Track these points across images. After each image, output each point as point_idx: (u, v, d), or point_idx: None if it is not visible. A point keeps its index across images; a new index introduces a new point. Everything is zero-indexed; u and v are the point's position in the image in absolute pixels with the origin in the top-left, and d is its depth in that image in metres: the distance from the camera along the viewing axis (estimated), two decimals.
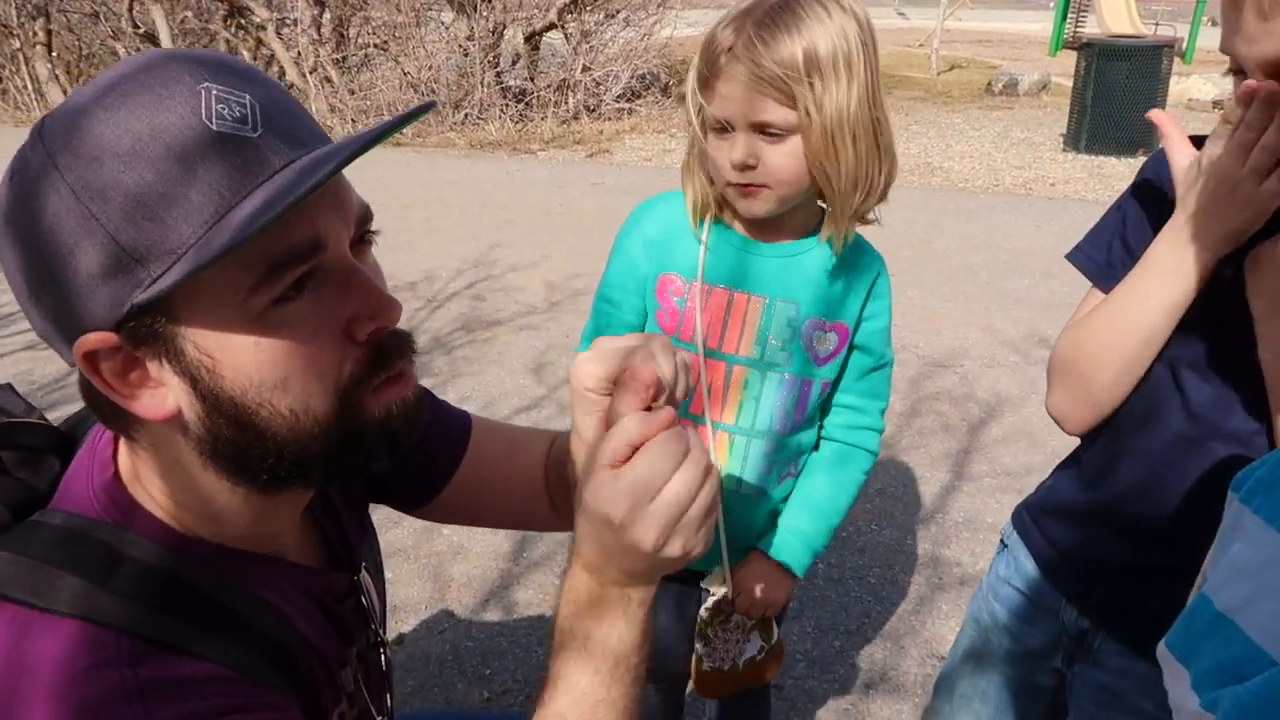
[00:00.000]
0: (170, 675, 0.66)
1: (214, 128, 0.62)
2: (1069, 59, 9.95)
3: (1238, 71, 0.89)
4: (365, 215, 0.72)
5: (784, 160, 1.18)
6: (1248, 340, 0.96)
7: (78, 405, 0.80)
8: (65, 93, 10.22)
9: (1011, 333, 4.25)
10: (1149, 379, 1.07)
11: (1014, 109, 10.49)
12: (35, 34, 10.22)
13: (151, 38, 10.23)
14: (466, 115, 9.20)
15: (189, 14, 10.66)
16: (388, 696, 0.96)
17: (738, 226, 1.31)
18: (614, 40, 10.31)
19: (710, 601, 1.41)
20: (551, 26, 9.81)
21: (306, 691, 0.78)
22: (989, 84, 11.60)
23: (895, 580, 2.64)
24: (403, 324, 0.74)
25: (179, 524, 0.74)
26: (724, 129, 1.19)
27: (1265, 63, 0.83)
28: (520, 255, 5.41)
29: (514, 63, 10.04)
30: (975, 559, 2.73)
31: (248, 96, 0.64)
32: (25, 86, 10.39)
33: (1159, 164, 1.08)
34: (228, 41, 10.62)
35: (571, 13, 9.72)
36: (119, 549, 0.70)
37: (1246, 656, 0.50)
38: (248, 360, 0.65)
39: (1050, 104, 10.67)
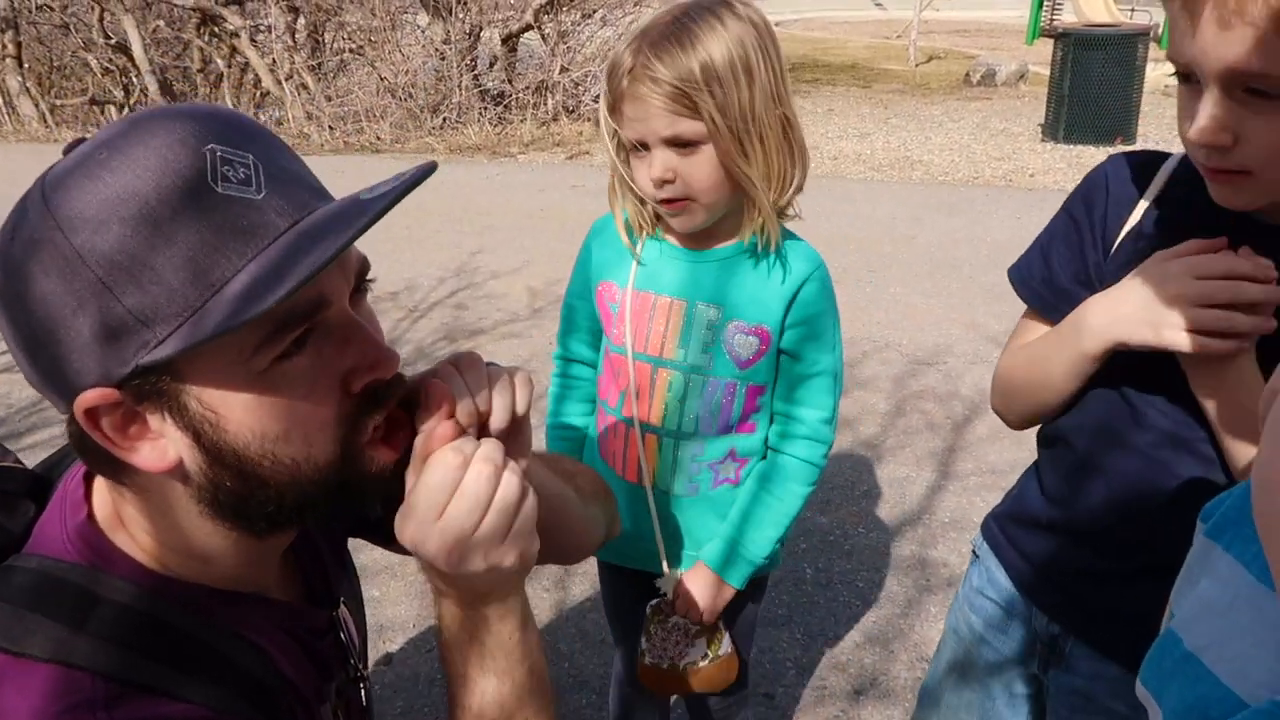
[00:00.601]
0: (146, 716, 0.66)
1: (220, 191, 0.63)
2: (1046, 47, 9.99)
3: (1185, 76, 0.88)
4: (364, 268, 0.73)
5: (700, 170, 1.22)
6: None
7: (55, 429, 0.80)
8: (37, 105, 10.12)
9: (995, 328, 4.26)
10: (1100, 400, 1.09)
11: (992, 99, 10.52)
12: (5, 46, 10.11)
13: (124, 48, 10.15)
14: (445, 120, 9.16)
15: (161, 23, 10.57)
16: None
17: (671, 237, 1.36)
18: (591, 40, 10.28)
19: (655, 600, 1.46)
20: (528, 28, 9.77)
21: None
22: (967, 75, 11.63)
23: (883, 583, 2.64)
24: (386, 335, 0.76)
25: (159, 564, 0.74)
26: (640, 148, 1.24)
27: (1222, 73, 0.82)
28: (502, 261, 5.39)
29: (491, 65, 10.00)
30: (962, 560, 2.73)
31: (250, 156, 0.65)
32: None
33: (1092, 183, 1.11)
34: (201, 50, 10.54)
35: (548, 13, 9.68)
36: (94, 591, 0.70)
37: (1215, 697, 0.50)
38: (250, 415, 0.67)
39: (1028, 94, 10.71)
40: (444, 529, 0.70)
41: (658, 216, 1.34)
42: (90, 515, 0.74)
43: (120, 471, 0.70)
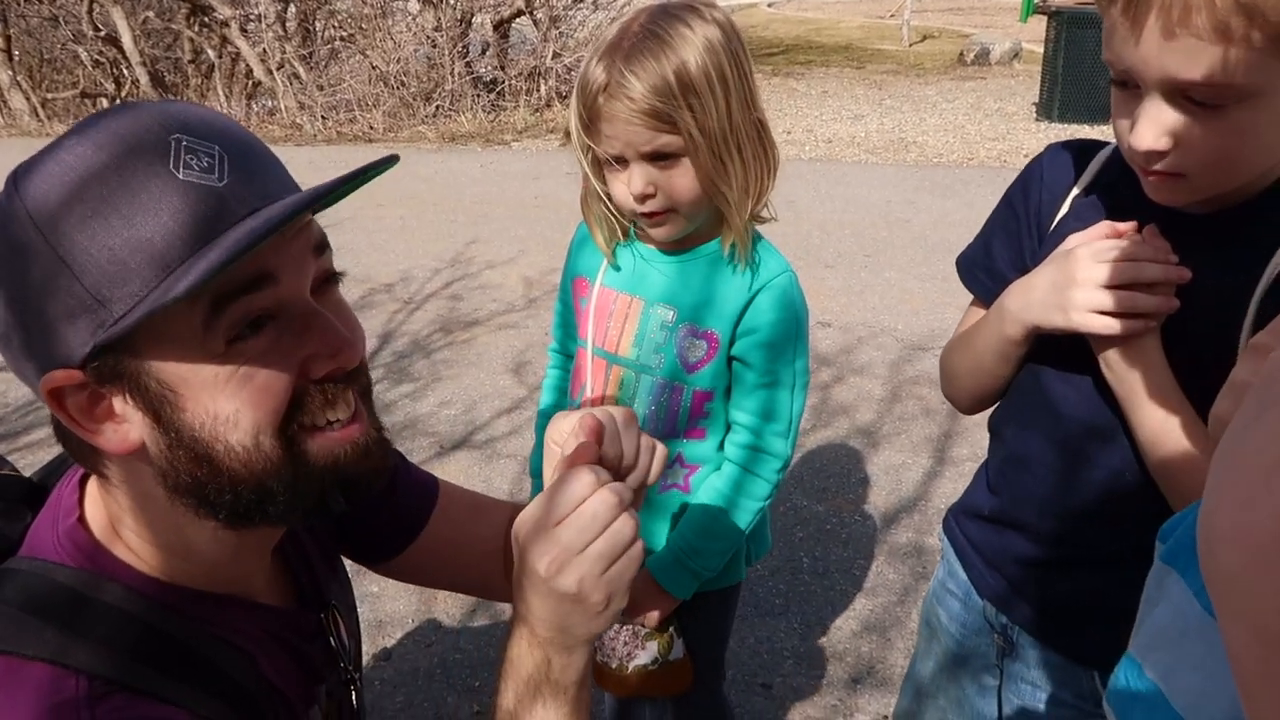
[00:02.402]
0: (130, 716, 0.68)
1: (180, 177, 0.64)
2: (1041, 25, 9.94)
3: (1122, 83, 0.89)
4: (321, 243, 0.74)
5: (681, 182, 1.22)
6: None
7: (49, 430, 0.81)
8: (28, 99, 10.07)
9: None
10: (1026, 390, 1.13)
11: (986, 79, 10.49)
12: None
13: (114, 40, 10.08)
14: (438, 108, 9.12)
15: (150, 14, 10.50)
16: None
17: (646, 239, 1.36)
18: (584, 24, 10.22)
19: None
20: (520, 13, 9.72)
21: None
22: (961, 54, 11.59)
23: (880, 571, 2.65)
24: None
25: (147, 566, 0.75)
26: (617, 163, 1.23)
27: (1164, 81, 0.83)
28: (497, 251, 5.38)
29: (483, 52, 9.95)
30: None
31: (217, 147, 0.66)
32: None
33: (1029, 173, 1.13)
34: (192, 40, 10.48)
35: None
36: (83, 594, 0.72)
37: None
38: (205, 394, 0.68)
39: (1023, 72, 10.67)
40: (557, 535, 0.72)
41: (632, 222, 1.34)
42: (81, 518, 0.76)
43: (97, 460, 0.73)
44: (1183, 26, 0.79)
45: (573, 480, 0.73)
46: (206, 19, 10.31)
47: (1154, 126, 0.86)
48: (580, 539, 0.72)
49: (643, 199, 1.22)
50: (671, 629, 1.46)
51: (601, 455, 0.77)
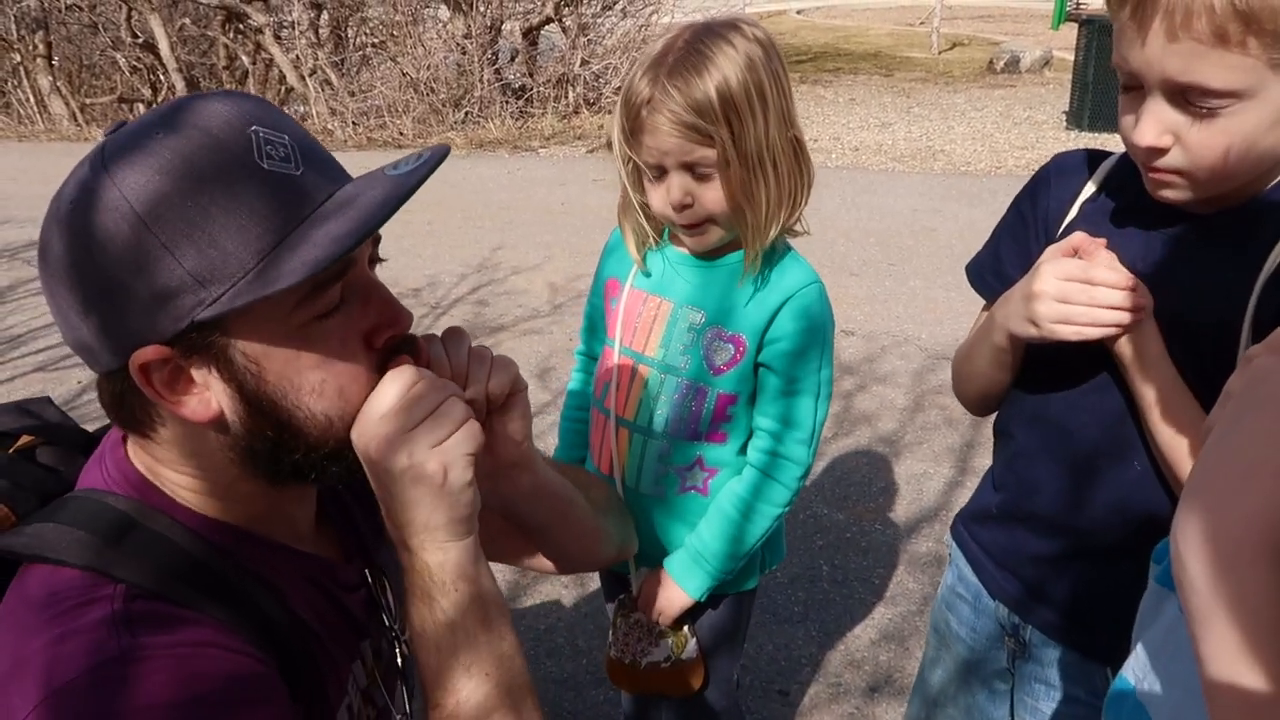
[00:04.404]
0: (158, 613, 0.72)
1: (265, 167, 0.72)
2: (1072, 32, 9.87)
3: (1129, 87, 0.94)
4: (377, 235, 0.81)
5: (718, 194, 1.26)
6: (1091, 351, 1.03)
7: (90, 424, 0.89)
8: (68, 104, 10.27)
9: None
10: (1031, 387, 1.15)
11: (1016, 87, 10.42)
12: (36, 46, 10.26)
13: (151, 47, 10.27)
14: (467, 114, 9.20)
15: (187, 21, 10.68)
16: (401, 689, 1.00)
17: (678, 243, 1.39)
18: (612, 32, 10.27)
19: (622, 595, 1.50)
20: (549, 21, 9.79)
21: (302, 674, 0.81)
22: (991, 62, 11.52)
23: (899, 580, 2.66)
24: (411, 332, 0.84)
25: (187, 503, 0.81)
26: (657, 173, 1.27)
27: (1165, 82, 0.89)
28: (523, 257, 5.43)
29: (512, 59, 10.03)
30: None
31: (286, 137, 0.74)
32: (27, 99, 10.44)
33: (1038, 180, 1.17)
34: (227, 47, 10.64)
35: (568, 5, 9.69)
36: (128, 514, 0.78)
37: None
38: (289, 367, 0.75)
39: (1053, 80, 10.60)
40: (384, 422, 0.77)
41: (663, 229, 1.38)
42: (126, 456, 0.82)
43: (150, 427, 0.78)
44: (1184, 30, 0.84)
45: (392, 375, 0.79)
46: (241, 26, 10.47)
47: (1156, 125, 0.91)
48: (407, 420, 0.77)
49: (680, 209, 1.26)
50: (686, 628, 1.48)
51: (429, 363, 0.83)
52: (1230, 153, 0.90)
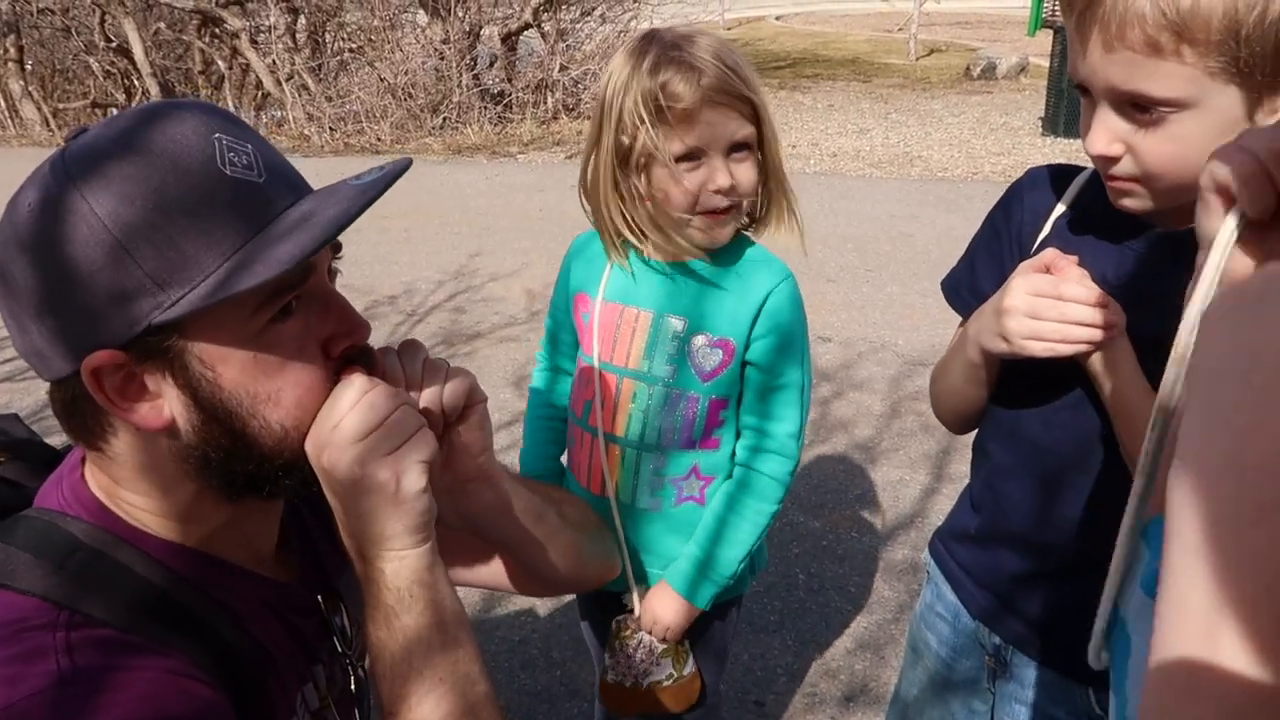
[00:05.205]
0: (109, 640, 0.71)
1: (229, 173, 0.72)
2: (1048, 39, 9.95)
3: (1085, 92, 0.96)
4: (337, 244, 0.81)
5: (751, 174, 1.29)
6: (1061, 371, 1.04)
7: (56, 436, 0.86)
8: (40, 109, 10.15)
9: None
10: (1004, 404, 1.15)
11: (993, 93, 10.50)
12: (7, 50, 10.14)
13: (125, 51, 10.17)
14: (445, 119, 9.17)
15: (162, 25, 10.59)
16: (355, 714, 0.98)
17: (648, 250, 1.38)
18: (591, 37, 10.27)
19: (621, 616, 1.47)
20: (527, 26, 9.77)
21: (252, 699, 0.80)
22: (967, 68, 11.61)
23: (876, 589, 2.65)
24: (384, 340, 0.86)
25: (144, 524, 0.79)
26: (692, 158, 1.27)
27: (1109, 91, 0.90)
28: (500, 264, 5.40)
29: (491, 64, 10.01)
30: None
31: (250, 146, 0.74)
32: None
33: (1012, 194, 1.17)
34: (202, 51, 10.55)
35: (547, 11, 9.68)
36: (79, 539, 0.76)
37: None
38: (245, 374, 0.74)
39: (1029, 86, 10.68)
40: (336, 431, 0.76)
41: (641, 232, 1.35)
42: (83, 477, 0.80)
43: (101, 438, 0.76)
44: (1120, 41, 0.86)
45: (345, 384, 0.78)
46: (217, 30, 10.39)
47: (1105, 133, 0.93)
48: (359, 429, 0.76)
49: (729, 190, 1.28)
50: (685, 642, 1.46)
51: (386, 375, 0.82)
52: (1179, 161, 0.90)
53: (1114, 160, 0.94)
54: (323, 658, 0.93)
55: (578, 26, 10.14)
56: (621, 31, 10.23)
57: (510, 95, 9.57)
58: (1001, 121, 8.96)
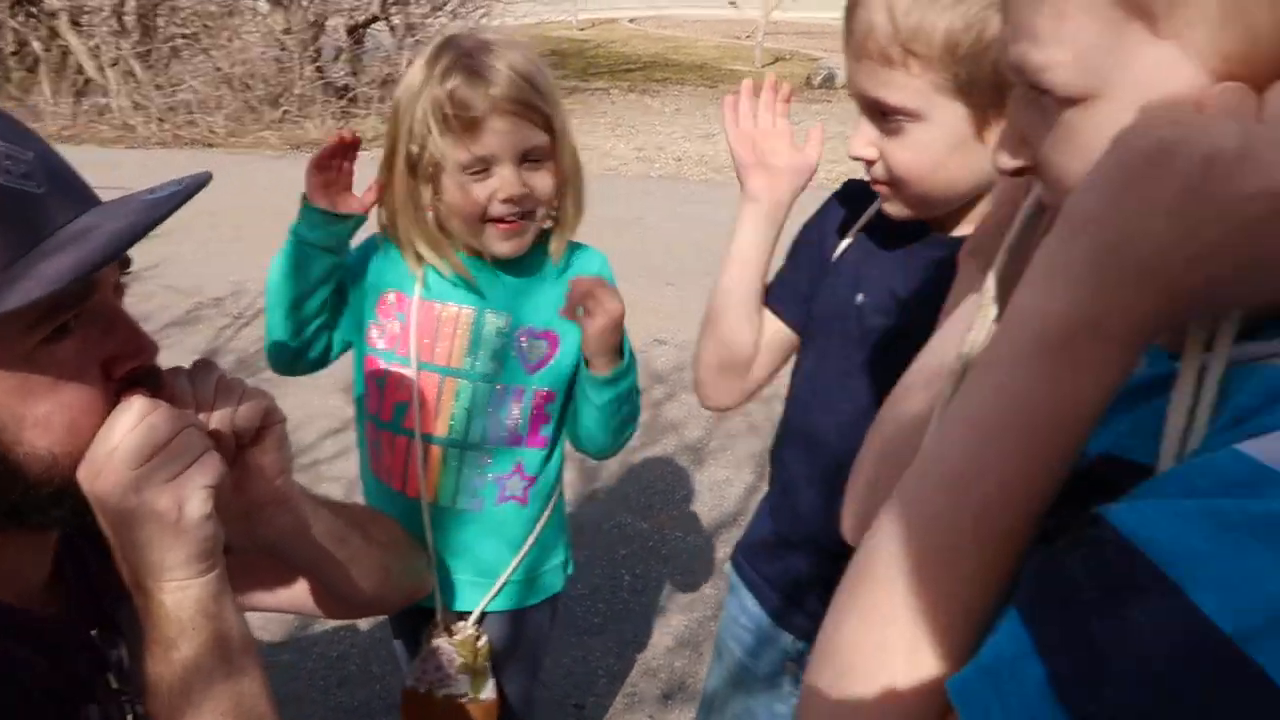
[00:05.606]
0: None
1: (2, 182, 0.67)
2: None
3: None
4: (126, 259, 0.78)
5: (547, 182, 1.30)
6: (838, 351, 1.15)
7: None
8: None
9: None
10: (791, 410, 1.26)
11: (832, 102, 10.89)
12: None
13: None
14: (285, 113, 8.83)
15: None
16: None
17: (465, 249, 1.38)
18: (441, 32, 10.07)
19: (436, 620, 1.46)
20: (375, 19, 9.53)
21: None
22: (808, 78, 12.01)
23: (697, 586, 2.73)
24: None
25: None
26: (480, 168, 1.27)
27: (860, 97, 1.02)
28: None
29: (336, 57, 9.71)
30: None
31: (32, 154, 0.70)
32: None
33: (823, 207, 1.29)
34: (16, 31, 9.81)
35: (396, 4, 9.47)
36: None
37: None
38: (14, 397, 0.70)
39: None
40: (113, 456, 0.73)
41: (450, 235, 1.35)
42: None
43: None
44: (863, 51, 0.96)
45: (123, 406, 0.74)
46: (34, 9, 9.67)
47: (859, 137, 1.03)
48: (138, 455, 0.72)
49: (520, 199, 1.28)
50: (489, 667, 1.45)
51: (174, 396, 0.79)
52: (920, 167, 1.00)
53: (870, 164, 1.04)
54: (97, 696, 0.88)
55: (428, 22, 9.95)
56: (472, 29, 10.09)
57: (355, 90, 9.31)
58: (837, 130, 9.29)
